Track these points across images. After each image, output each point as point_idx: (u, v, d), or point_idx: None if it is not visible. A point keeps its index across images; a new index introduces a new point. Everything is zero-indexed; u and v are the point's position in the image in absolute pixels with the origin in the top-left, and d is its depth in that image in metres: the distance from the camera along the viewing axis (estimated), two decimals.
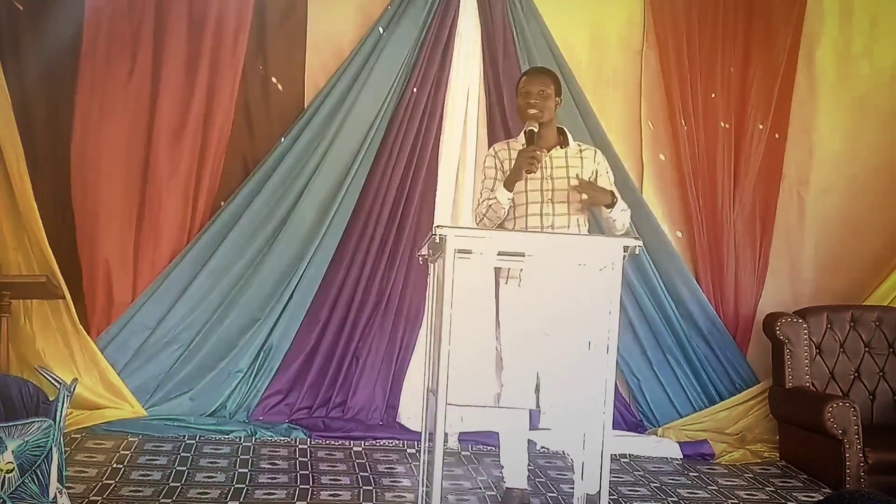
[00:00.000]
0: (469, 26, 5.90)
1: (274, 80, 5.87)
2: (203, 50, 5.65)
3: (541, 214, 4.37)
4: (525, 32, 5.88)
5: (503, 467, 4.52)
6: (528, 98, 4.39)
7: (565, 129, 4.56)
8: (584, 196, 4.32)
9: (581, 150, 4.51)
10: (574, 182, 4.38)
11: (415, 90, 5.82)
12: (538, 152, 4.26)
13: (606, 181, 4.49)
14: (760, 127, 6.06)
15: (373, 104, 5.78)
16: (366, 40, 5.80)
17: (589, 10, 6.07)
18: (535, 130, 4.33)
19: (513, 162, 4.36)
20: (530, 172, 4.27)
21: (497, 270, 4.46)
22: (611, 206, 4.37)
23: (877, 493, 1.44)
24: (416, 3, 5.81)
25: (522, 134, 4.43)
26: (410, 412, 5.70)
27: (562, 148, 4.47)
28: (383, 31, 5.81)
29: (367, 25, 5.85)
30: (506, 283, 4.35)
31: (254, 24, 5.76)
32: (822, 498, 1.49)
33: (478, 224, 4.44)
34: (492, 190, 4.41)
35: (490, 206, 4.34)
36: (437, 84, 5.84)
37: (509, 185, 4.31)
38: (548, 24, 5.91)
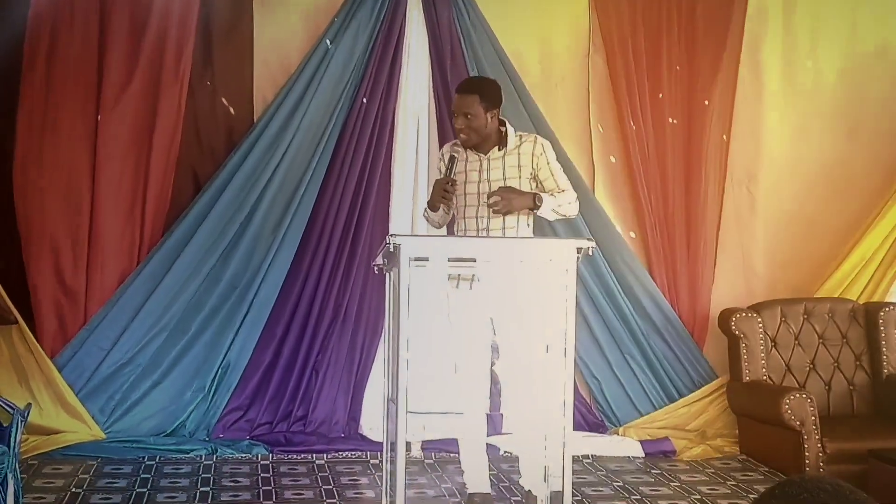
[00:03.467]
0: (416, 36, 5.92)
1: (222, 96, 5.84)
2: (147, 67, 5.60)
3: (476, 217, 4.41)
4: (472, 40, 5.90)
5: (464, 473, 4.52)
6: (456, 122, 4.40)
7: (507, 124, 4.50)
8: (497, 206, 4.24)
9: (520, 145, 4.45)
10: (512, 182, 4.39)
11: (364, 100, 5.81)
12: (450, 185, 4.31)
13: (548, 172, 4.43)
14: (707, 125, 6.13)
15: (323, 116, 5.77)
16: (313, 53, 5.78)
17: (536, 16, 6.10)
18: (457, 157, 4.36)
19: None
20: (443, 203, 4.38)
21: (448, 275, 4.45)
22: (535, 208, 4.33)
23: (827, 477, 1.46)
24: (363, 14, 5.81)
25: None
26: (372, 423, 5.69)
27: (500, 149, 4.46)
28: (331, 44, 5.80)
29: (314, 38, 5.83)
30: (456, 286, 4.35)
31: (199, 40, 5.71)
32: (774, 484, 1.51)
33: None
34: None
35: (426, 217, 4.57)
36: (386, 94, 5.84)
37: (432, 207, 4.46)
38: (495, 32, 5.93)
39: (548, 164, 4.44)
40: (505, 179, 4.40)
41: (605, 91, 6.11)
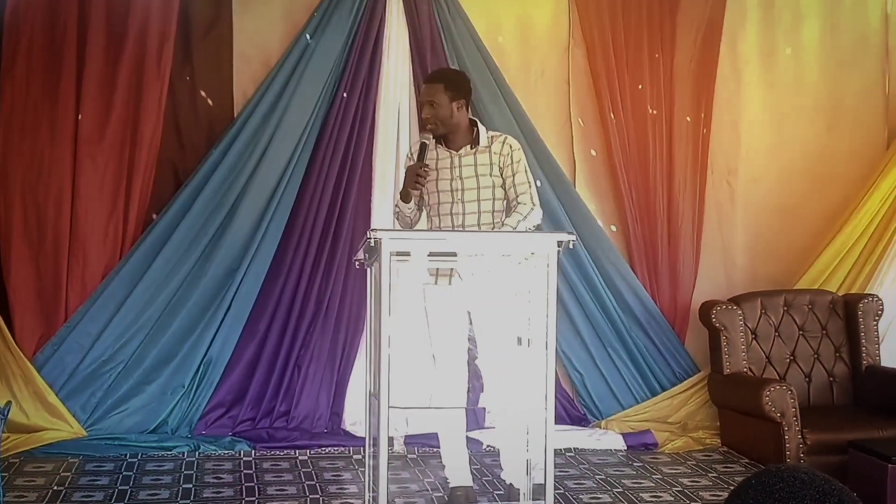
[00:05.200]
0: (396, 30, 5.89)
1: (202, 91, 5.81)
2: (128, 63, 5.56)
3: (451, 214, 4.41)
4: (453, 34, 5.89)
5: (445, 467, 4.53)
6: (423, 111, 4.39)
7: (478, 124, 4.50)
8: None
9: (491, 144, 4.44)
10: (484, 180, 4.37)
11: (345, 95, 5.80)
12: (424, 169, 4.28)
13: (510, 172, 4.40)
14: (688, 119, 6.15)
15: (303, 112, 5.75)
16: (293, 49, 5.76)
17: (516, 9, 6.11)
18: (427, 144, 4.34)
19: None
20: (416, 189, 4.30)
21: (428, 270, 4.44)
22: None
23: (803, 466, 1.47)
24: (342, 9, 5.79)
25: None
26: (355, 418, 5.69)
27: (472, 148, 4.44)
28: (310, 39, 5.78)
29: (293, 34, 5.81)
30: (435, 282, 4.35)
31: (179, 36, 5.68)
32: (751, 474, 1.52)
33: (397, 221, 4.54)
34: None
35: (397, 213, 4.47)
36: (367, 88, 5.83)
37: (405, 197, 4.38)
38: (475, 25, 5.93)
39: (512, 167, 4.40)
40: (477, 177, 4.40)
41: (586, 84, 6.12)
